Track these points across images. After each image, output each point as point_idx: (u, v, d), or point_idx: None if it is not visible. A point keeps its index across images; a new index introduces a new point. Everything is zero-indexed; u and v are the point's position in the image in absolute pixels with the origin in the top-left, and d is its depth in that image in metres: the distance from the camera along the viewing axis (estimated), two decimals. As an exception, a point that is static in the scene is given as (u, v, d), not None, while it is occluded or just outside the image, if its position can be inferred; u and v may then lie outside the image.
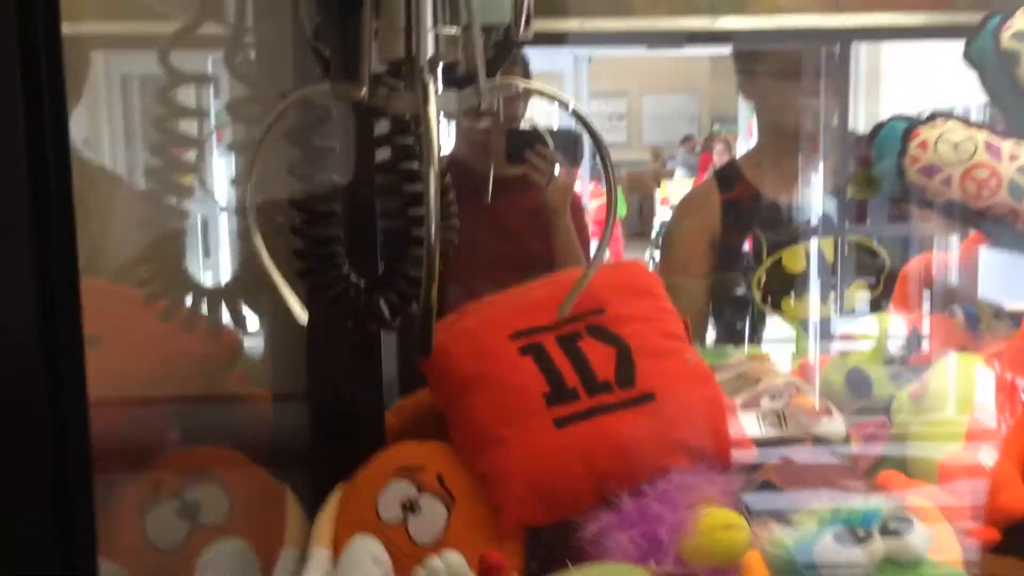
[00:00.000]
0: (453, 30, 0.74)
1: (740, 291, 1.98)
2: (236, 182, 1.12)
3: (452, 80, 0.78)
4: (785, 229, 1.94)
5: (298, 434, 1.26)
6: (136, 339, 1.18)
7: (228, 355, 1.28)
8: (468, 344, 1.20)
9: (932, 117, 1.40)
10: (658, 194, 7.52)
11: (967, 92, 1.76)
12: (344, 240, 0.96)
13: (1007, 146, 1.36)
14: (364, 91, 0.73)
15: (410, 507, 1.11)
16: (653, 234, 6.88)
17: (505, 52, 0.85)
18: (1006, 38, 1.40)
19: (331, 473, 1.19)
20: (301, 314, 0.81)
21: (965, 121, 1.39)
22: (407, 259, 0.93)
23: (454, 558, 1.00)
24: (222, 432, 1.26)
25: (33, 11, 0.65)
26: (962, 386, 1.21)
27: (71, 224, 0.69)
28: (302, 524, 1.13)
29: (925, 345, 1.57)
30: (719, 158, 7.20)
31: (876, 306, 1.81)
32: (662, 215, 7.01)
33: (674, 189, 7.24)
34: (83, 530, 0.72)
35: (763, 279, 1.85)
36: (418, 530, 1.10)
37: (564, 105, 0.85)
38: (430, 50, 0.72)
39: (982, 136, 1.37)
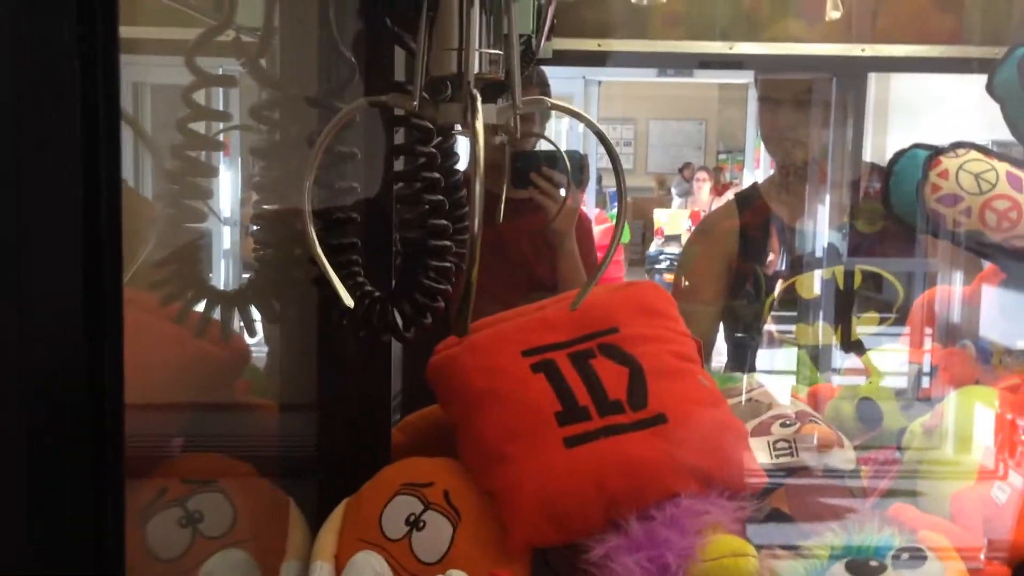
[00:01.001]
0: (495, 51, 0.79)
1: (752, 317, 1.97)
2: (258, 188, 1.11)
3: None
4: (800, 256, 1.94)
5: (304, 446, 1.25)
6: (145, 344, 1.17)
7: (237, 362, 1.27)
8: (480, 359, 1.19)
9: (955, 146, 1.39)
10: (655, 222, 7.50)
11: (976, 126, 1.76)
12: (361, 249, 0.95)
13: (1029, 177, 1.36)
14: (415, 103, 0.78)
15: (415, 523, 1.10)
16: (650, 261, 6.86)
17: (526, 63, 0.87)
18: (1032, 69, 1.40)
19: (336, 487, 1.17)
20: (349, 301, 0.83)
21: (987, 151, 1.39)
22: (424, 270, 0.93)
23: (459, 576, 0.99)
24: (228, 441, 1.25)
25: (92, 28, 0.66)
26: (977, 419, 1.20)
27: (118, 232, 0.70)
28: (305, 537, 1.12)
29: (933, 378, 1.56)
30: (699, 190, 7.22)
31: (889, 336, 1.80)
32: (655, 244, 6.98)
33: (668, 219, 7.21)
34: (114, 534, 0.72)
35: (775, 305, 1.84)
36: (422, 547, 1.08)
37: (591, 126, 0.86)
38: (476, 67, 0.77)
39: (1004, 167, 1.36)
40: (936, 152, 1.39)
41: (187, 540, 1.08)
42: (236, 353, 1.25)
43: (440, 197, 0.91)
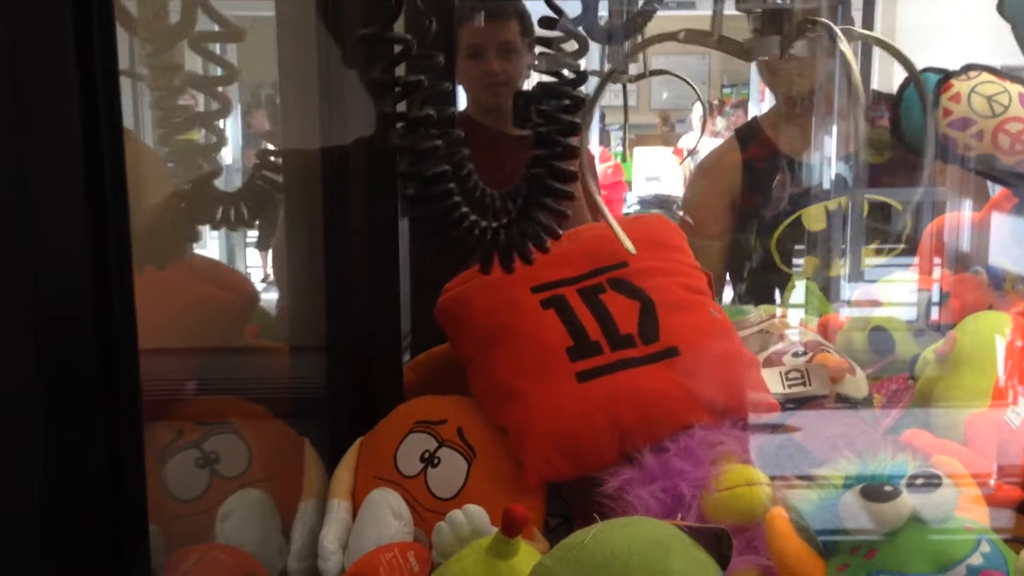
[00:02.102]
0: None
1: (759, 250, 1.96)
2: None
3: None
4: (805, 188, 1.92)
5: (316, 387, 1.25)
6: (153, 286, 1.17)
7: (245, 305, 1.27)
8: (490, 297, 1.19)
9: (965, 69, 1.36)
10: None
11: (984, 51, 1.72)
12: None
13: (1041, 99, 1.33)
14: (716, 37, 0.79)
15: (430, 460, 1.11)
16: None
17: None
18: (1045, -12, 1.36)
19: (349, 426, 1.18)
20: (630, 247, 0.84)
21: (999, 73, 1.36)
22: (539, 206, 0.92)
23: (476, 511, 1.00)
24: (241, 384, 1.26)
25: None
26: (990, 344, 1.19)
27: (122, 177, 0.69)
28: (321, 476, 1.13)
29: (944, 306, 1.56)
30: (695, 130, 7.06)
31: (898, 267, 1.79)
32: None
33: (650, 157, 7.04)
34: (134, 476, 0.72)
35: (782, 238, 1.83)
36: (438, 483, 1.09)
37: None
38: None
39: (1016, 88, 1.34)
40: (947, 75, 1.36)
41: (205, 480, 1.10)
42: (244, 296, 1.25)
43: (575, 145, 0.90)
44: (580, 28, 0.90)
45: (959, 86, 1.35)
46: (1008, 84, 1.34)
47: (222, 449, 1.11)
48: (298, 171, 1.23)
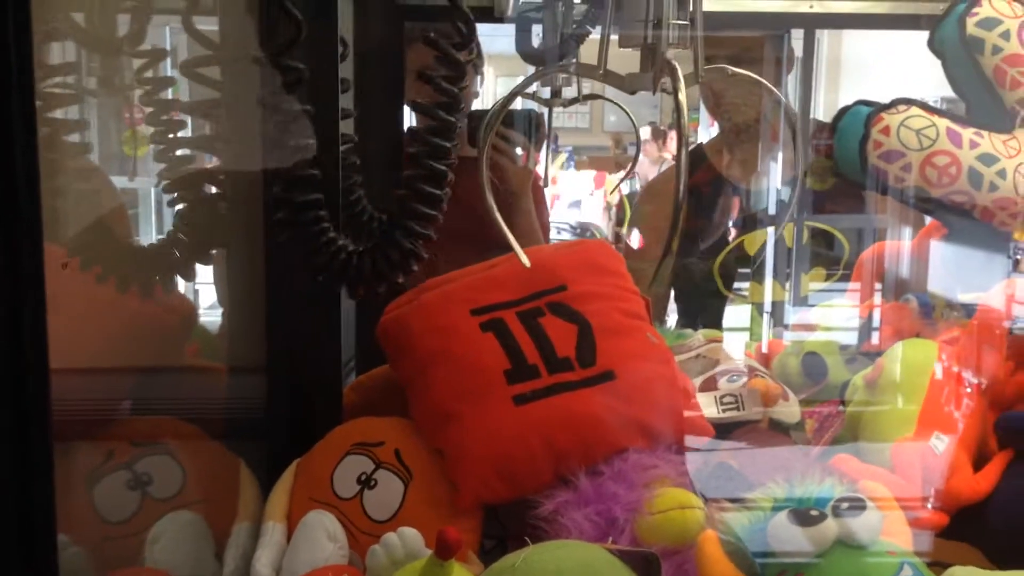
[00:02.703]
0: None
1: (702, 275, 1.99)
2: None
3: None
4: (748, 214, 1.95)
5: (255, 408, 1.24)
6: (87, 307, 1.15)
7: (183, 324, 1.26)
8: (429, 319, 1.19)
9: (895, 103, 1.40)
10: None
11: (927, 83, 1.78)
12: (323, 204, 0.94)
13: (967, 133, 1.37)
14: (602, 71, 0.79)
15: (366, 482, 1.10)
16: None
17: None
18: (971, 25, 1.41)
19: (287, 448, 1.17)
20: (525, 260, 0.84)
21: (928, 107, 1.40)
22: (404, 231, 0.92)
23: (410, 534, 1.00)
24: (175, 404, 1.24)
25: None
26: (916, 371, 1.22)
27: (36, 188, 0.68)
28: (256, 498, 1.12)
29: (879, 332, 1.60)
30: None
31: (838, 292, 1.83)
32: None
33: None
34: (42, 500, 0.70)
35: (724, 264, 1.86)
36: (374, 506, 1.09)
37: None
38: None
39: (944, 123, 1.38)
40: (878, 108, 1.40)
41: (136, 502, 1.08)
42: (181, 315, 1.23)
43: (446, 167, 0.90)
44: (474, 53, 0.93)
45: (889, 119, 1.39)
46: (936, 118, 1.39)
47: (154, 470, 1.09)
48: (239, 191, 1.23)
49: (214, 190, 1.09)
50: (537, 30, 1.58)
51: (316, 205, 0.92)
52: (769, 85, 0.93)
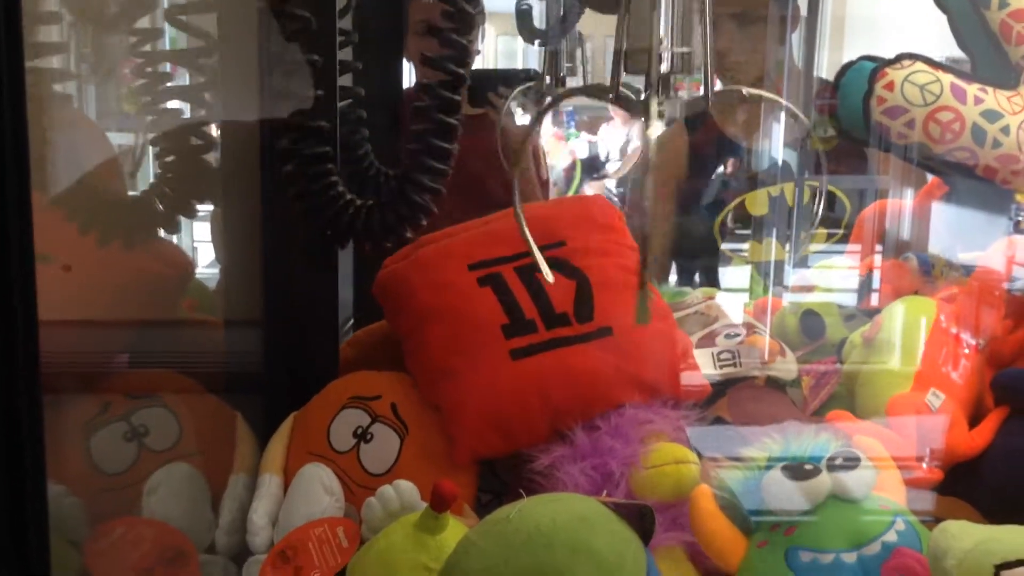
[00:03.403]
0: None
1: (703, 233, 1.98)
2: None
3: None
4: (750, 173, 1.94)
5: (252, 362, 1.24)
6: (84, 260, 1.15)
7: (179, 278, 1.25)
8: (427, 274, 1.19)
9: (899, 58, 1.38)
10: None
11: (932, 43, 1.75)
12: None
13: (972, 89, 1.36)
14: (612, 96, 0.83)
15: (362, 436, 1.11)
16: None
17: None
18: (979, -23, 1.39)
19: (284, 402, 1.18)
20: (549, 275, 0.85)
21: (932, 63, 1.38)
22: (413, 184, 0.91)
23: (406, 486, 1.00)
24: (172, 357, 1.24)
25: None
26: (914, 328, 1.22)
27: (24, 134, 0.67)
28: (253, 451, 1.13)
29: (878, 291, 1.59)
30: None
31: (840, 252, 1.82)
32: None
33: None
34: (32, 449, 0.70)
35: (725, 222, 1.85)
36: (370, 459, 1.09)
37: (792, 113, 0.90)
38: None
39: (948, 78, 1.36)
40: (882, 64, 1.38)
41: (133, 454, 1.09)
42: (177, 269, 1.23)
43: (455, 121, 0.89)
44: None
45: (893, 75, 1.37)
46: (941, 74, 1.37)
47: (151, 423, 1.10)
48: (235, 144, 1.22)
49: (197, 142, 1.07)
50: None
51: (325, 158, 0.91)
52: (793, 108, 0.90)
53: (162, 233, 1.17)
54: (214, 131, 1.16)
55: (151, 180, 1.14)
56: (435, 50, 2.00)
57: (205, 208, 1.29)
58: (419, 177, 0.95)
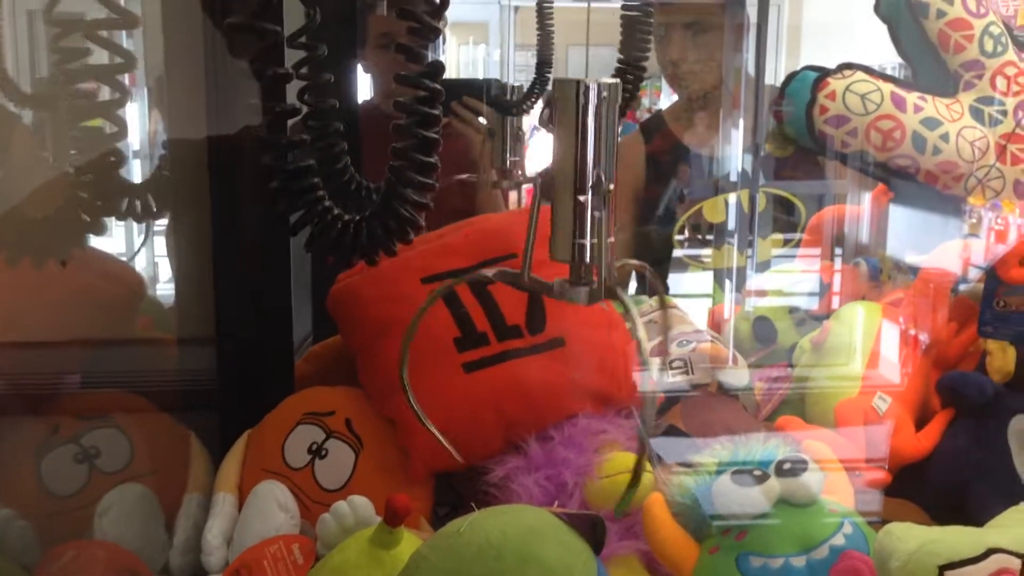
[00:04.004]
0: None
1: (660, 242, 2.00)
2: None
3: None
4: (706, 181, 1.96)
5: (206, 380, 1.24)
6: (33, 279, 1.14)
7: (131, 296, 1.24)
8: (380, 288, 1.19)
9: (841, 68, 1.41)
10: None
11: (887, 50, 1.78)
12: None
13: (912, 98, 1.39)
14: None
15: (317, 452, 1.11)
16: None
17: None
18: (917, -10, 1.42)
19: (239, 419, 1.17)
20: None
21: (873, 72, 1.41)
22: (400, 199, 0.91)
23: (360, 502, 1.00)
24: (126, 377, 1.23)
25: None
26: (860, 333, 1.24)
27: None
28: (207, 470, 1.12)
29: (828, 296, 1.61)
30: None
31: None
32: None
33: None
34: None
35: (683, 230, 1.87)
36: (325, 475, 1.09)
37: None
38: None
39: (888, 87, 1.39)
40: (824, 73, 1.41)
41: (84, 476, 1.07)
42: (125, 287, 1.22)
43: (436, 135, 0.89)
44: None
45: (834, 84, 1.39)
46: (881, 83, 1.39)
47: (102, 444, 1.09)
48: (185, 159, 1.21)
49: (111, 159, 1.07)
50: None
51: (310, 172, 0.91)
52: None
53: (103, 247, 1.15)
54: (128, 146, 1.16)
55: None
56: (390, 63, 1.99)
57: (161, 224, 1.28)
58: (406, 192, 0.95)
